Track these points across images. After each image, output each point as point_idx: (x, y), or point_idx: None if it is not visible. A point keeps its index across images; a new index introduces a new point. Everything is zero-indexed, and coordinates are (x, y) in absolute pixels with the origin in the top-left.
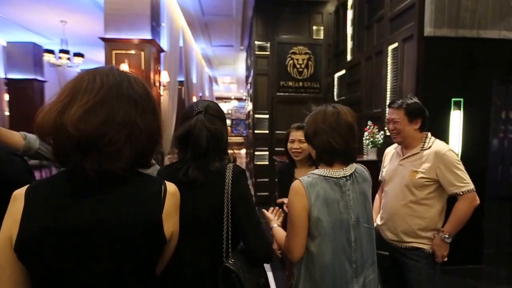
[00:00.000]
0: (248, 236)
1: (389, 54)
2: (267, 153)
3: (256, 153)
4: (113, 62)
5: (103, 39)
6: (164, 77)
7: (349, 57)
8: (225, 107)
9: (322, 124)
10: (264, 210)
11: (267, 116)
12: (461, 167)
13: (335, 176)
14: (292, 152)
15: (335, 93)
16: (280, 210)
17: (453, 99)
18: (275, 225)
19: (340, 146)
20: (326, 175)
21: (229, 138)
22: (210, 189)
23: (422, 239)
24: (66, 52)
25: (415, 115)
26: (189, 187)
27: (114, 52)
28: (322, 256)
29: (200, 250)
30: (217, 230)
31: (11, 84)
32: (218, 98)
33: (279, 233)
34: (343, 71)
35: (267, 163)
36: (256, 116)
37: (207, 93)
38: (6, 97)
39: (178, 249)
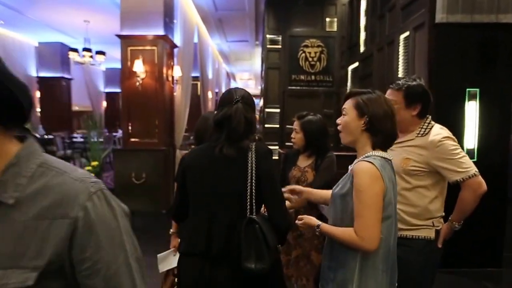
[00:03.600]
0: (272, 209)
1: (401, 43)
2: (277, 147)
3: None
4: (128, 58)
5: (119, 36)
6: (177, 72)
7: (362, 49)
8: None
9: (388, 110)
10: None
11: (278, 110)
12: (458, 151)
13: (390, 158)
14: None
15: (348, 86)
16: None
17: (468, 90)
18: (320, 223)
19: (397, 132)
20: (386, 157)
21: None
22: (240, 163)
23: (415, 227)
24: (89, 50)
25: (414, 100)
26: (223, 162)
27: (129, 48)
28: (389, 239)
29: (230, 212)
30: (244, 196)
31: (42, 82)
32: None
33: (333, 230)
34: (356, 64)
35: (277, 157)
36: (267, 110)
37: (223, 89)
38: (38, 94)
39: (212, 211)
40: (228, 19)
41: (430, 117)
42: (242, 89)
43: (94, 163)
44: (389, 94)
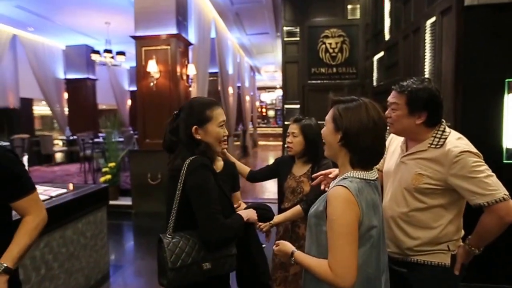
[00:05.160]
0: (199, 225)
1: (427, 30)
2: None
3: (286, 145)
4: (143, 58)
5: (133, 37)
6: (191, 70)
7: (387, 37)
8: (268, 97)
9: (368, 123)
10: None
11: (298, 106)
12: (482, 168)
13: (373, 179)
14: (286, 146)
15: (374, 78)
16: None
17: (507, 80)
18: (294, 251)
19: (382, 149)
20: (367, 178)
21: (270, 130)
22: (174, 182)
23: (428, 252)
24: (109, 51)
25: (418, 107)
26: (170, 179)
27: (143, 49)
28: (366, 268)
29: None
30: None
31: (69, 84)
32: (261, 88)
33: (308, 260)
34: (382, 53)
35: None
36: (286, 106)
37: (247, 83)
38: (66, 95)
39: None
40: (245, 12)
41: (444, 124)
42: (194, 99)
43: (111, 164)
44: (392, 96)
